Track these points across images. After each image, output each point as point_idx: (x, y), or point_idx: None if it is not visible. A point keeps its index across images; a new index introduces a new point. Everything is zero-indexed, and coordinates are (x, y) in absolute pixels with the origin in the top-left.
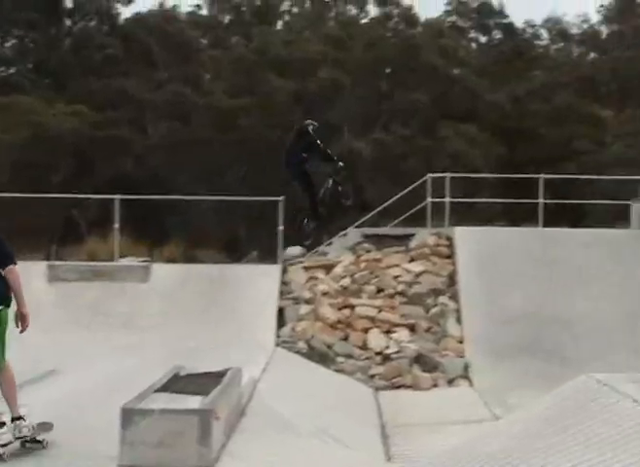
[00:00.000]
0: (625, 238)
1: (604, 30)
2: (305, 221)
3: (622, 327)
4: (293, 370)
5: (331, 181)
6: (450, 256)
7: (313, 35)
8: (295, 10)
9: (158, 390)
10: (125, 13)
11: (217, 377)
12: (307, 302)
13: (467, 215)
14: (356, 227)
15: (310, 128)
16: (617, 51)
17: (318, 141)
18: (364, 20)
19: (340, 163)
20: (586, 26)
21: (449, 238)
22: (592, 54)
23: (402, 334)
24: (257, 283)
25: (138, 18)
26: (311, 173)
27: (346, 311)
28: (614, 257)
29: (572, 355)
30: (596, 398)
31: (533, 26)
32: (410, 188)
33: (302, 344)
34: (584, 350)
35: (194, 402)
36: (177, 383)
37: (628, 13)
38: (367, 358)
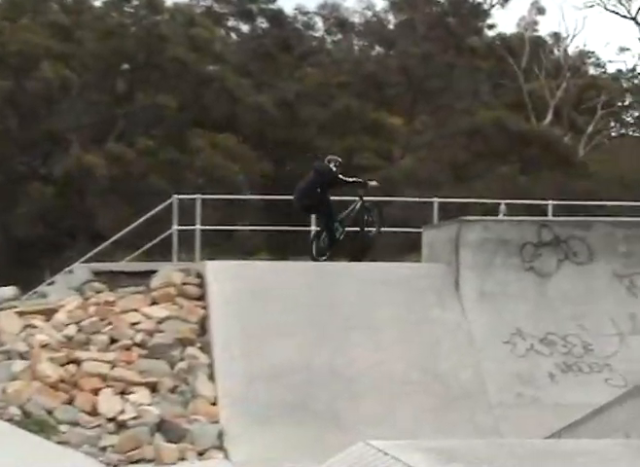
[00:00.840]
0: (417, 274)
1: (391, 19)
2: (322, 236)
3: (412, 382)
4: (1, 442)
5: (359, 204)
6: (202, 297)
7: (32, 23)
8: None
9: None
10: None
11: None
12: (22, 356)
13: (224, 246)
14: (84, 261)
15: (332, 166)
16: (407, 45)
17: (341, 176)
18: (96, 3)
19: (373, 183)
20: (369, 14)
21: (200, 275)
22: (378, 49)
23: (141, 395)
24: None
25: None
26: (329, 200)
27: (71, 368)
28: (403, 297)
29: (351, 417)
30: None
31: (306, 14)
32: (153, 212)
33: (14, 410)
34: (365, 411)
35: None
36: None
37: None
38: (97, 426)
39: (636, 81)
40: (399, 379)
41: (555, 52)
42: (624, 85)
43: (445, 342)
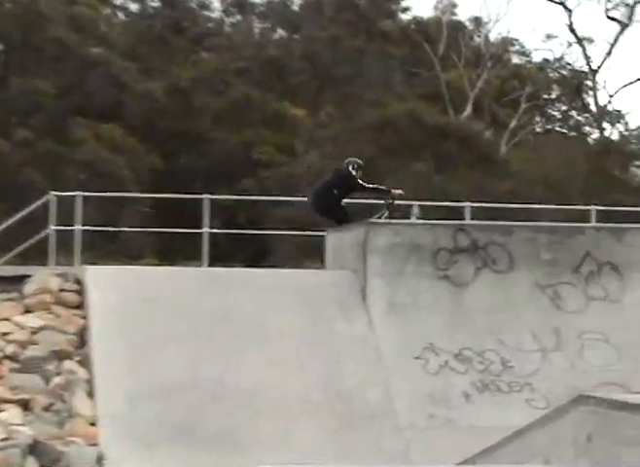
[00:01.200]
0: (320, 282)
1: (296, 0)
2: None
3: (313, 401)
4: None
5: (386, 212)
6: (81, 306)
7: None
8: None
9: None
10: None
11: None
12: None
13: (108, 249)
14: None
15: (351, 168)
16: (312, 28)
17: (360, 181)
18: None
19: (398, 191)
20: None
21: (80, 281)
22: (280, 32)
23: (11, 413)
24: None
25: None
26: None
27: None
28: (304, 307)
29: (247, 439)
30: None
31: None
32: (28, 211)
33: None
34: (262, 432)
35: None
36: None
37: None
38: None
39: (564, 71)
40: (299, 398)
41: (476, 38)
42: (551, 75)
43: (351, 358)
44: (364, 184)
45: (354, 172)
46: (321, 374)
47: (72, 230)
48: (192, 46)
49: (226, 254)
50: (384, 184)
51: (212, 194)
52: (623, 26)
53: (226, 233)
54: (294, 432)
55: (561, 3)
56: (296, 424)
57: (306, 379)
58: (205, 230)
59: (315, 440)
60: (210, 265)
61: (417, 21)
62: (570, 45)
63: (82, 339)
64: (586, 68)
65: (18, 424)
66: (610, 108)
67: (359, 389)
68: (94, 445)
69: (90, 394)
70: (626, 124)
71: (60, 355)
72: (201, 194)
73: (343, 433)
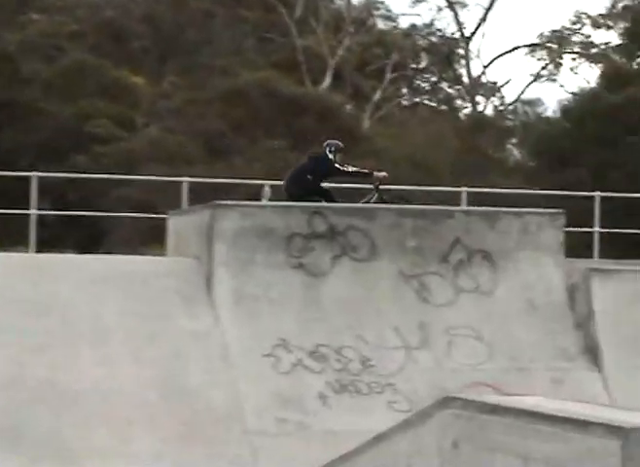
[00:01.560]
0: (159, 271)
1: None
2: None
3: (150, 405)
4: None
5: (375, 195)
6: None
7: None
8: None
9: None
10: None
11: None
12: None
13: None
14: None
15: (328, 151)
16: None
17: (337, 165)
18: None
19: (381, 174)
20: None
21: None
22: None
23: None
24: None
25: None
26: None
27: None
28: (141, 299)
29: (77, 445)
30: None
31: None
32: None
33: None
34: (96, 440)
35: None
36: None
37: None
38: None
39: (433, 38)
40: (135, 401)
41: (337, 0)
42: (419, 43)
43: (193, 356)
44: (342, 168)
45: (331, 155)
46: (160, 373)
47: None
48: (19, 5)
49: (56, 238)
50: (234, 163)
51: (41, 171)
52: None
53: (56, 214)
54: (129, 438)
55: None
56: (131, 430)
57: (143, 380)
58: (33, 211)
59: (153, 447)
60: (38, 250)
61: None
62: (440, 9)
63: None
64: (457, 35)
65: None
66: (484, 80)
67: (202, 391)
68: None
69: None
70: (502, 97)
71: None
72: (29, 171)
73: (185, 439)
